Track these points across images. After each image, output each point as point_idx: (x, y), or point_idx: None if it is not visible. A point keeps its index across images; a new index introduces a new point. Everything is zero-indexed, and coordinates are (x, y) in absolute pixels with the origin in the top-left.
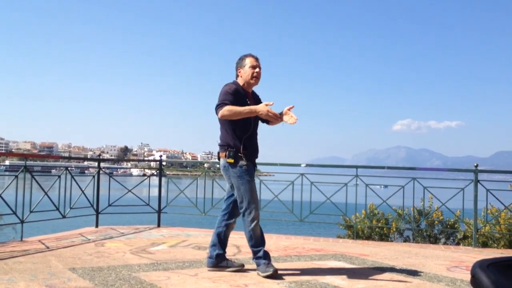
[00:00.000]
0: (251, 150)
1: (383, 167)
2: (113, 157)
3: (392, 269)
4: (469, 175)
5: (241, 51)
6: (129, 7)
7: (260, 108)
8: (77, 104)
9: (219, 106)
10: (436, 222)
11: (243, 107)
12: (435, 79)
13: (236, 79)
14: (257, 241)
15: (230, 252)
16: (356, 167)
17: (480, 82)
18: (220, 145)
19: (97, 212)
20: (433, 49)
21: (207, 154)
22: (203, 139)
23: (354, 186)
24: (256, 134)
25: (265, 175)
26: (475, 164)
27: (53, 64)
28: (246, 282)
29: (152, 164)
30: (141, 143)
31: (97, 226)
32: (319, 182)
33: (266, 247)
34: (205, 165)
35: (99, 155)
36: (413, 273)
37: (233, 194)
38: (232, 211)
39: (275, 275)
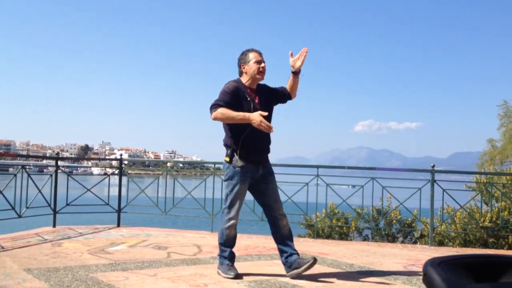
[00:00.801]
0: (250, 149)
1: (343, 167)
2: (72, 156)
3: (350, 268)
4: (426, 175)
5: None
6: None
7: (253, 117)
8: (36, 101)
9: (213, 107)
10: (394, 221)
11: (237, 112)
12: (396, 80)
13: (240, 75)
14: (227, 241)
15: (190, 252)
16: (317, 167)
17: (441, 84)
18: (223, 144)
19: (55, 212)
20: (395, 51)
21: (170, 153)
22: (166, 137)
23: (315, 186)
24: (261, 132)
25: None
26: (432, 165)
27: (11, 61)
28: (205, 282)
29: (113, 163)
30: (102, 141)
31: (54, 226)
32: (280, 181)
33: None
34: (168, 164)
35: (57, 153)
36: (371, 271)
37: (258, 197)
38: (267, 212)
39: (236, 279)
